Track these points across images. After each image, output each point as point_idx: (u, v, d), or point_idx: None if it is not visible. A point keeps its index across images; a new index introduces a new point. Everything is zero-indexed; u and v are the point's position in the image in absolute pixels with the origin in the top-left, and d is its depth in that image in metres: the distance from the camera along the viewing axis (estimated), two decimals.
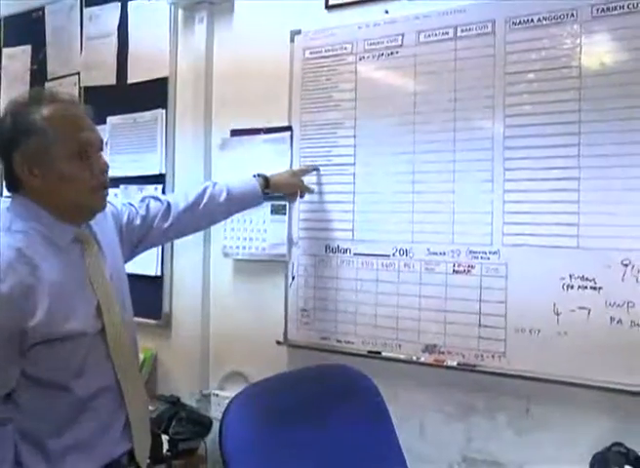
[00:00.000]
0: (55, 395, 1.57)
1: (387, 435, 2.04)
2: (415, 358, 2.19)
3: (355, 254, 2.31)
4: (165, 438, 2.42)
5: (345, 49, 2.35)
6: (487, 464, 2.11)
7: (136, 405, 1.71)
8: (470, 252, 2.09)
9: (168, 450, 2.41)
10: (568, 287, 1.92)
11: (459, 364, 2.11)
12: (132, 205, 1.97)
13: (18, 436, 1.55)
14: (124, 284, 1.80)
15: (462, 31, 2.12)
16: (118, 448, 1.68)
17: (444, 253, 2.13)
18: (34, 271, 1.50)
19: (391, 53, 2.25)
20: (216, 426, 2.19)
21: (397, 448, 2.02)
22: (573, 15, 1.93)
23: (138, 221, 1.95)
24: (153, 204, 2.01)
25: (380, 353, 2.25)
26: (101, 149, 1.65)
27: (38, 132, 1.55)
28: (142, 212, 1.97)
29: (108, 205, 1.76)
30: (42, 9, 3.35)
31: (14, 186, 1.63)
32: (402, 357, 2.21)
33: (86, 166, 1.59)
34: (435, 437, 2.20)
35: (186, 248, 2.73)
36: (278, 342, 2.48)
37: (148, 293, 2.75)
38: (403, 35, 2.23)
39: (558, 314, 1.93)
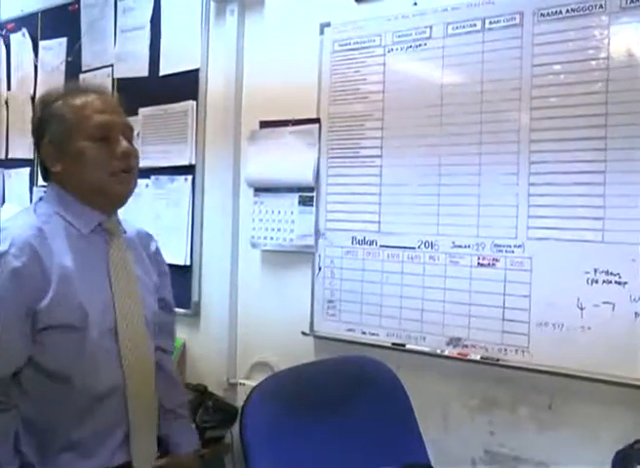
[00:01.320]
0: (59, 388, 1.54)
1: (409, 427, 2.04)
2: (439, 351, 2.20)
3: (381, 247, 2.33)
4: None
5: (374, 41, 2.36)
6: (509, 459, 2.11)
7: (140, 412, 1.66)
8: (495, 245, 2.09)
9: None
10: (592, 281, 1.91)
11: (482, 357, 2.11)
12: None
13: (21, 423, 1.54)
14: (149, 287, 1.77)
15: (490, 23, 2.12)
16: (115, 458, 1.62)
17: (469, 246, 2.14)
18: (50, 253, 1.51)
19: (419, 45, 2.26)
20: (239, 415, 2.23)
21: (419, 440, 2.02)
22: (601, 6, 1.92)
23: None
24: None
25: (404, 345, 2.27)
26: (127, 135, 1.64)
27: (59, 117, 1.59)
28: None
29: (158, 246, 1.87)
30: (78, 2, 3.42)
31: (45, 175, 1.68)
32: (426, 349, 2.23)
33: (106, 149, 1.59)
34: (458, 430, 2.21)
35: (215, 238, 2.78)
36: (304, 333, 2.51)
37: (178, 282, 2.73)
38: (431, 27, 2.23)
39: (582, 308, 1.93)
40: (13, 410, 1.54)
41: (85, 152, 1.58)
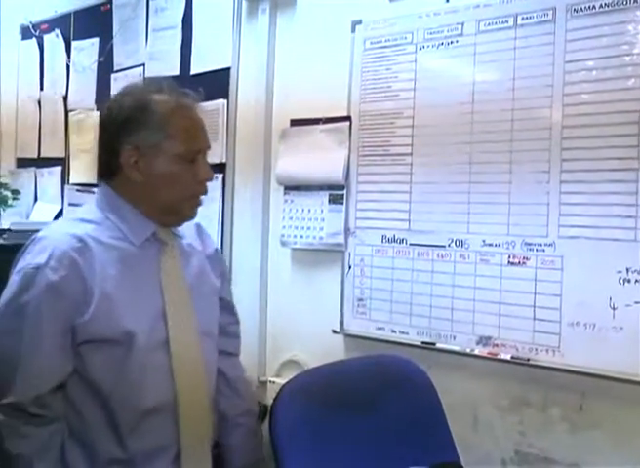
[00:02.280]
0: (101, 402, 1.52)
1: (440, 426, 2.04)
2: (469, 350, 2.21)
3: (411, 245, 2.34)
4: None
5: (405, 39, 2.37)
6: (539, 459, 2.11)
7: (192, 431, 1.62)
8: (526, 243, 2.09)
9: None
10: (625, 280, 1.91)
11: (512, 357, 2.11)
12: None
13: (67, 433, 1.54)
14: (207, 294, 1.75)
15: (523, 19, 2.11)
16: None
17: (499, 245, 2.14)
18: (93, 265, 1.48)
19: (451, 42, 2.27)
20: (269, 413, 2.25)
21: (449, 439, 2.02)
22: (635, 0, 1.91)
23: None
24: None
25: (434, 344, 2.28)
26: (206, 156, 1.64)
27: (155, 123, 1.54)
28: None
29: (217, 247, 1.88)
30: (110, 2, 3.48)
31: (108, 174, 1.61)
32: (456, 348, 2.23)
33: (191, 170, 1.57)
34: (488, 430, 2.21)
35: (245, 236, 2.82)
36: (334, 331, 2.52)
37: None
38: (463, 24, 2.24)
39: (614, 308, 1.92)
40: (56, 423, 1.53)
41: (171, 172, 1.56)
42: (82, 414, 1.54)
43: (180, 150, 1.55)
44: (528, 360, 2.08)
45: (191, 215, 1.65)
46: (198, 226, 1.83)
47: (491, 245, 2.16)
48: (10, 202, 3.65)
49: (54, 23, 3.83)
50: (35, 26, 3.92)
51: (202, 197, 1.65)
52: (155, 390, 1.55)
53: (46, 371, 1.49)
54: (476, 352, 2.19)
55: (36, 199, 3.86)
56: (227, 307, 1.90)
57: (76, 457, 1.54)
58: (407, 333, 2.34)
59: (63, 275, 1.46)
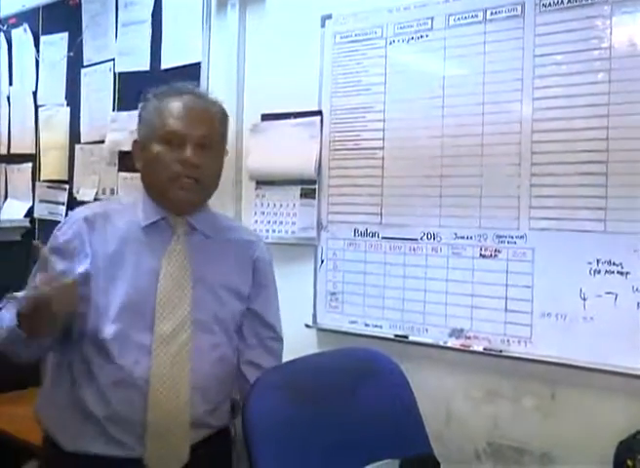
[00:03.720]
0: (90, 362, 1.64)
1: (413, 419, 2.03)
2: (441, 342, 2.20)
3: (383, 238, 2.33)
4: None
5: (376, 33, 2.36)
6: (512, 450, 2.11)
7: (164, 412, 1.64)
8: (497, 236, 2.09)
9: None
10: (595, 272, 1.91)
11: (485, 349, 2.11)
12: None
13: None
14: (217, 289, 1.78)
15: (492, 14, 2.11)
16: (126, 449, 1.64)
17: (471, 238, 2.14)
18: (97, 235, 1.67)
19: (421, 36, 2.26)
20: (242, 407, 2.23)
21: (422, 432, 2.01)
22: None
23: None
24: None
25: (407, 337, 2.27)
26: (202, 144, 1.69)
27: (148, 119, 1.72)
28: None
29: (263, 257, 1.91)
30: None
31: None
32: (429, 341, 2.23)
33: (174, 152, 1.66)
34: (461, 422, 2.21)
35: None
36: (307, 326, 2.51)
37: None
38: (433, 19, 2.23)
39: (585, 299, 1.93)
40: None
41: (154, 154, 1.67)
42: (76, 363, 1.67)
43: (161, 133, 1.67)
44: (500, 351, 2.08)
45: (179, 198, 1.69)
46: (248, 238, 1.94)
47: (462, 238, 2.16)
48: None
49: (22, 17, 3.77)
50: (3, 21, 3.85)
51: (189, 181, 1.68)
52: (132, 365, 1.62)
53: None
54: (449, 344, 2.19)
55: (6, 196, 3.80)
56: (258, 319, 1.92)
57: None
58: (380, 327, 2.34)
59: (68, 238, 1.67)
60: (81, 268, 1.64)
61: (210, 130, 1.72)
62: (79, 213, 1.74)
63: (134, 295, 1.66)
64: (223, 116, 1.82)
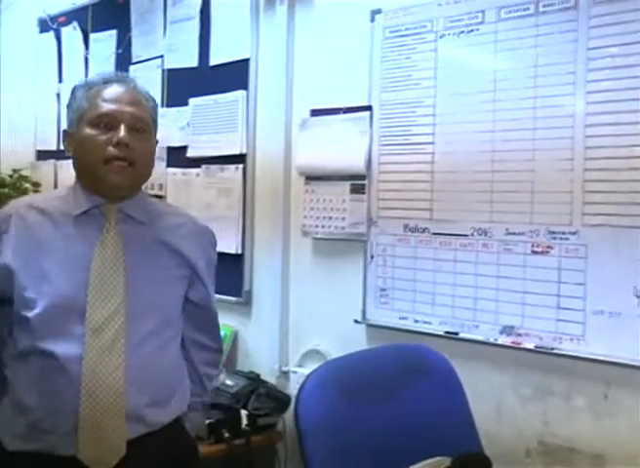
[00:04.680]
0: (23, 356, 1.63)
1: (463, 416, 2.05)
2: (492, 339, 2.22)
3: (433, 234, 2.35)
4: (244, 413, 2.52)
5: (425, 27, 2.38)
6: (563, 450, 2.11)
7: (98, 403, 1.58)
8: (549, 232, 2.09)
9: (247, 425, 2.51)
10: None
11: (536, 346, 2.12)
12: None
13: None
14: (150, 281, 1.73)
15: (544, 6, 2.11)
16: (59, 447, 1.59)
17: (522, 234, 2.15)
18: (25, 228, 1.64)
19: (471, 30, 2.27)
20: (294, 403, 2.26)
21: (472, 429, 2.03)
22: None
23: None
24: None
25: (457, 334, 2.29)
26: (135, 127, 1.67)
27: (76, 105, 1.69)
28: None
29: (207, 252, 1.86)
30: None
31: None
32: (479, 338, 2.24)
33: (105, 136, 1.63)
34: (511, 419, 2.22)
35: (266, 227, 2.84)
36: (356, 321, 2.54)
37: (229, 271, 2.84)
38: (483, 12, 2.24)
39: (638, 297, 1.92)
40: None
41: (85, 138, 1.64)
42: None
43: (91, 116, 1.65)
44: (552, 349, 2.09)
45: (114, 181, 1.65)
46: (201, 233, 1.88)
47: (514, 233, 2.16)
48: (30, 194, 3.68)
49: (71, 16, 3.87)
50: (53, 19, 3.95)
51: (123, 164, 1.64)
52: (64, 355, 1.58)
53: None
54: (499, 341, 2.20)
55: None
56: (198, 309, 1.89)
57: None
58: (430, 323, 2.36)
59: None
60: None
61: (141, 112, 1.70)
62: (9, 208, 1.72)
63: (64, 286, 1.62)
64: (154, 103, 1.79)
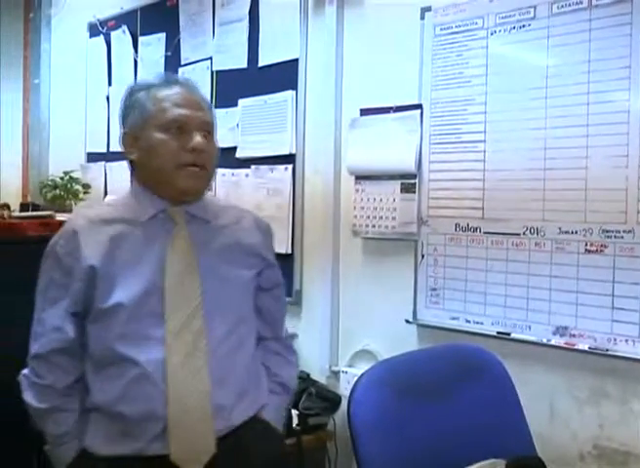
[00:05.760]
0: (100, 366, 1.68)
1: (516, 418, 2.05)
2: (545, 340, 2.23)
3: (485, 233, 2.37)
4: (295, 412, 2.57)
5: (476, 24, 2.40)
6: (619, 454, 2.11)
7: (184, 404, 1.63)
8: (603, 230, 2.10)
9: (297, 425, 2.56)
10: None
11: (590, 347, 2.12)
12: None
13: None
14: (223, 282, 1.75)
15: (598, 0, 2.12)
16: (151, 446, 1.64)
17: (576, 232, 2.15)
18: (93, 240, 1.66)
19: (523, 26, 2.28)
20: (344, 403, 2.30)
21: (526, 431, 2.02)
22: None
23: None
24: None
25: (509, 334, 2.31)
26: (205, 131, 1.70)
27: (140, 108, 1.69)
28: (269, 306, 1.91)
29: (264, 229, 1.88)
30: None
31: (129, 162, 1.78)
32: (532, 339, 2.25)
33: (178, 142, 1.65)
34: (565, 422, 2.23)
35: (316, 226, 2.88)
36: (407, 321, 2.57)
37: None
38: (535, 7, 2.25)
39: None
40: (70, 386, 1.73)
41: (156, 143, 1.66)
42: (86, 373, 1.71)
43: (162, 121, 1.66)
44: (606, 350, 2.09)
45: (186, 186, 1.69)
46: (261, 225, 1.89)
47: (567, 232, 2.17)
48: (81, 196, 3.79)
49: (120, 20, 3.97)
50: (102, 23, 4.06)
51: (196, 169, 1.67)
52: (146, 360, 1.62)
53: (49, 331, 1.68)
54: (552, 342, 2.21)
55: (106, 193, 4.01)
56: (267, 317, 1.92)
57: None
58: (481, 323, 2.38)
59: (66, 251, 1.67)
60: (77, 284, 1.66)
61: (208, 116, 1.72)
62: (70, 223, 1.74)
63: (140, 293, 1.65)
64: (211, 104, 1.81)
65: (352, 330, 2.80)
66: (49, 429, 1.70)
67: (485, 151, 2.37)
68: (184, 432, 1.62)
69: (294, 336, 2.01)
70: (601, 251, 2.10)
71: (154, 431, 1.62)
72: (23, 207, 3.44)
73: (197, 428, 1.64)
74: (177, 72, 3.52)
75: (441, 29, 2.50)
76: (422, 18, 2.54)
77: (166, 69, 3.63)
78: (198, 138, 1.66)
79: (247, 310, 1.82)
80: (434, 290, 2.50)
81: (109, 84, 4.07)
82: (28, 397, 1.69)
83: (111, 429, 1.66)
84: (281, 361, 1.94)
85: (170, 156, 1.65)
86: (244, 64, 3.23)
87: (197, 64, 3.48)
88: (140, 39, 3.85)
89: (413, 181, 2.54)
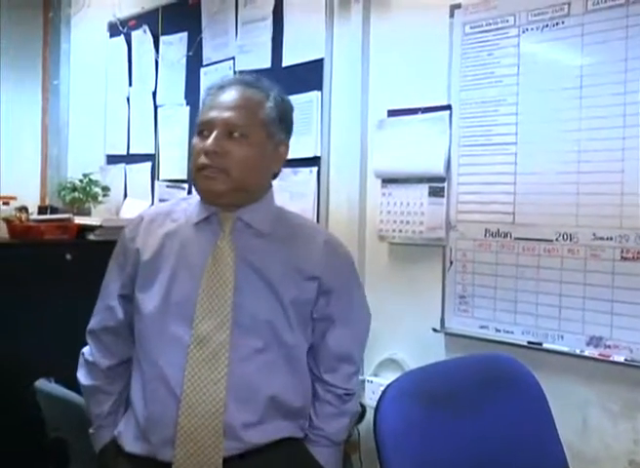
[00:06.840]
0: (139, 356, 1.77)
1: (547, 430, 2.03)
2: (578, 351, 2.20)
3: (516, 239, 2.35)
4: None
5: (507, 22, 2.39)
6: None
7: (196, 413, 1.63)
8: None
9: None
10: None
11: (626, 359, 2.10)
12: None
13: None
14: (257, 295, 1.72)
15: None
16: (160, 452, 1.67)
17: (611, 239, 2.13)
18: (155, 233, 1.77)
19: (556, 23, 2.26)
20: (369, 413, 2.29)
21: (558, 444, 2.00)
22: None
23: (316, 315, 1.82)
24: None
25: (540, 344, 2.28)
26: (229, 132, 1.67)
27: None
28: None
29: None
30: None
31: None
32: (564, 349, 2.23)
33: (202, 144, 1.69)
34: (598, 436, 2.20)
35: (341, 230, 2.84)
36: (434, 330, 2.56)
37: None
38: (569, 4, 2.23)
39: None
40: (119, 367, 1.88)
41: (192, 146, 1.74)
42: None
43: (197, 124, 1.74)
44: None
45: (204, 187, 1.71)
46: (331, 248, 1.83)
47: (602, 238, 2.15)
48: (100, 198, 3.84)
49: (141, 20, 3.99)
50: (123, 23, 4.08)
51: (208, 172, 1.67)
52: (166, 362, 1.68)
53: (102, 309, 1.85)
54: (586, 353, 2.18)
55: (126, 195, 4.03)
56: (326, 322, 1.84)
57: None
58: (511, 332, 2.35)
59: (129, 236, 1.81)
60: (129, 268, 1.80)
61: (239, 118, 1.68)
62: (142, 211, 1.90)
63: (176, 294, 1.70)
64: (271, 103, 1.74)
65: (378, 337, 2.75)
66: (91, 407, 1.84)
67: (516, 154, 2.35)
68: (191, 444, 1.63)
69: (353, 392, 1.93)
70: (638, 258, 2.08)
71: (164, 435, 1.65)
72: (41, 210, 3.47)
73: (205, 442, 1.64)
74: (198, 73, 3.57)
75: (471, 28, 2.48)
76: (452, 15, 2.53)
77: (187, 69, 3.64)
78: (210, 140, 1.67)
79: (290, 335, 1.75)
80: (463, 297, 2.48)
81: (130, 85, 4.09)
82: (79, 373, 1.86)
83: (134, 426, 1.72)
84: (326, 410, 1.85)
85: (194, 159, 1.70)
86: (268, 64, 3.22)
87: (219, 65, 3.48)
88: (162, 39, 3.86)
89: (441, 185, 2.53)
